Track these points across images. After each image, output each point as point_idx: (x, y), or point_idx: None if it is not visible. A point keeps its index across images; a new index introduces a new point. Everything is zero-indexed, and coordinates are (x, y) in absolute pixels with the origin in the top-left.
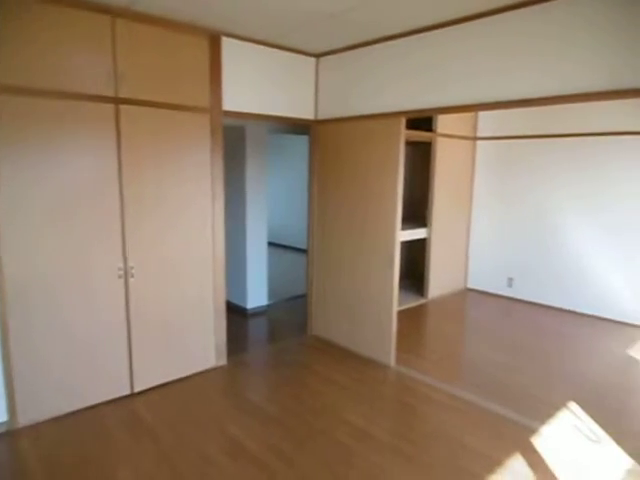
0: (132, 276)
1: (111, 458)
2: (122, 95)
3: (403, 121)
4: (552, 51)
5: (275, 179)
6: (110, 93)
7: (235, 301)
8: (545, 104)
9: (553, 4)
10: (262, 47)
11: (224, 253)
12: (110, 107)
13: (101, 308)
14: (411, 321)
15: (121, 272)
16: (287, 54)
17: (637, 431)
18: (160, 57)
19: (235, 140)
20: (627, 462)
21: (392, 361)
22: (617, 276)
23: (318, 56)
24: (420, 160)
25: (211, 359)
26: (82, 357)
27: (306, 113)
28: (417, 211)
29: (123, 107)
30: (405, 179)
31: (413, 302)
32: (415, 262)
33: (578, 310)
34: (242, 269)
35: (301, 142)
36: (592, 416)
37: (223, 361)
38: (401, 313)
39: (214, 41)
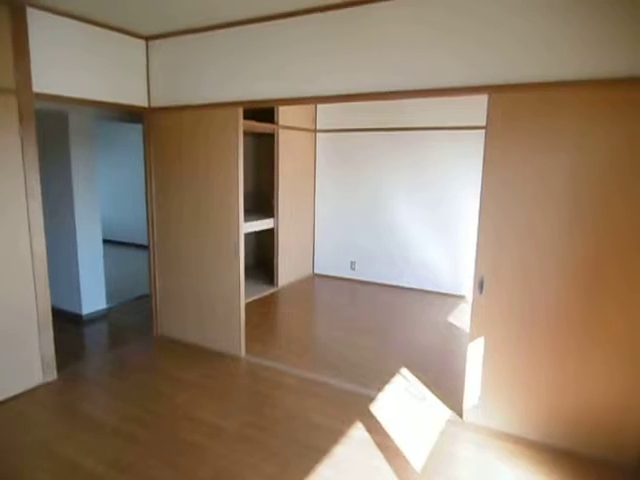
0: None
1: None
2: None
3: (240, 111)
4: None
5: (112, 170)
6: None
7: (67, 307)
8: (381, 99)
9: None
10: (82, 24)
11: (45, 254)
12: None
13: None
14: (262, 310)
15: None
16: (112, 34)
17: (455, 388)
18: None
19: (55, 129)
20: (448, 414)
21: (242, 352)
22: (438, 254)
23: (148, 39)
24: (265, 152)
25: (37, 375)
26: None
27: (137, 100)
28: (264, 202)
29: None
30: (252, 171)
31: (264, 292)
32: (265, 252)
33: (409, 286)
34: (74, 271)
35: (140, 131)
36: (419, 378)
37: (52, 376)
38: (252, 303)
39: (16, 11)
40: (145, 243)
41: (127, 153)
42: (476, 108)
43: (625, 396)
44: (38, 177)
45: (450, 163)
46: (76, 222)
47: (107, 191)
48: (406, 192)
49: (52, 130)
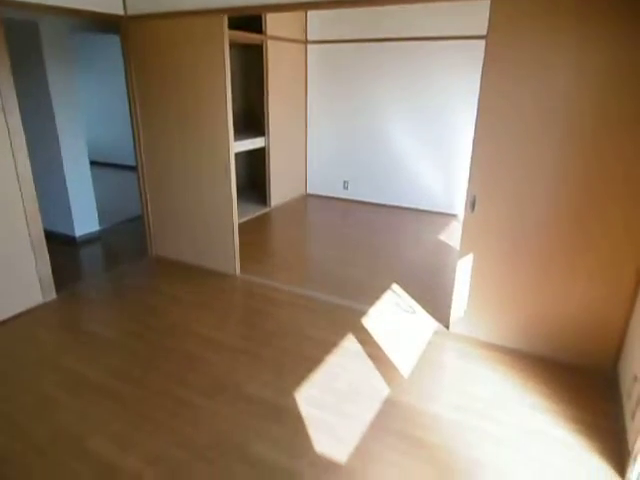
0: None
1: None
2: None
3: (225, 19)
4: None
5: (96, 87)
6: None
7: (60, 230)
8: (376, 4)
9: None
10: None
11: (31, 175)
12: None
13: None
14: (255, 230)
15: None
16: None
17: (444, 302)
18: None
19: (27, 40)
20: (435, 326)
21: (237, 270)
22: (433, 173)
23: None
24: (255, 66)
25: (36, 295)
26: None
27: (111, 7)
28: (254, 120)
29: None
30: (240, 88)
31: (256, 212)
32: (257, 172)
33: (402, 205)
34: (63, 193)
35: None
36: (409, 293)
37: (51, 296)
38: (245, 224)
39: None
40: (133, 164)
41: (110, 69)
42: (474, 16)
43: (604, 307)
44: (14, 92)
45: (447, 75)
46: (60, 142)
47: (92, 110)
48: (401, 108)
49: (23, 42)
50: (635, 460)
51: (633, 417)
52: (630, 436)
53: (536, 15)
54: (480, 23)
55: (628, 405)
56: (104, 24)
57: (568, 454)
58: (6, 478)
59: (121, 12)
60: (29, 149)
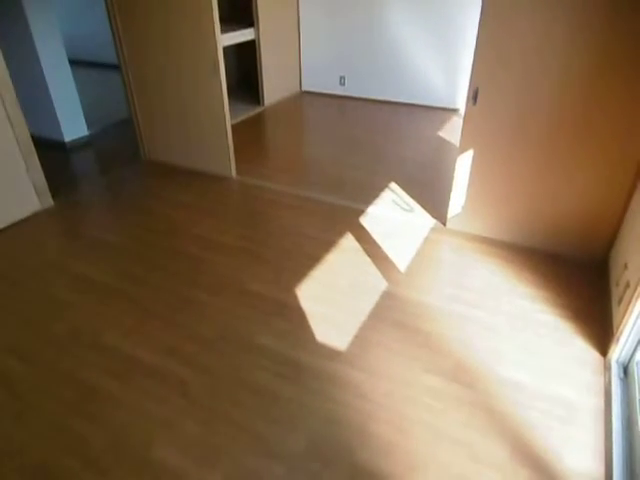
0: None
1: None
2: None
3: None
4: None
5: None
6: None
7: (49, 135)
8: None
9: None
10: None
11: (8, 77)
12: None
13: None
14: (249, 131)
15: None
16: None
17: (441, 200)
18: None
19: None
20: (432, 223)
21: (233, 173)
22: (433, 65)
23: None
24: None
25: (33, 202)
26: None
27: None
28: (241, 9)
29: None
30: None
31: (250, 112)
32: (248, 70)
33: (402, 101)
34: (46, 98)
35: None
36: (407, 191)
37: (48, 203)
38: (239, 124)
39: None
40: (115, 62)
41: None
42: None
43: (603, 201)
44: None
45: None
46: (35, 44)
47: (64, 3)
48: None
49: None
50: (617, 341)
51: (620, 303)
52: (615, 320)
53: None
54: None
55: (616, 291)
56: None
57: (555, 336)
58: (28, 375)
59: None
60: (4, 55)
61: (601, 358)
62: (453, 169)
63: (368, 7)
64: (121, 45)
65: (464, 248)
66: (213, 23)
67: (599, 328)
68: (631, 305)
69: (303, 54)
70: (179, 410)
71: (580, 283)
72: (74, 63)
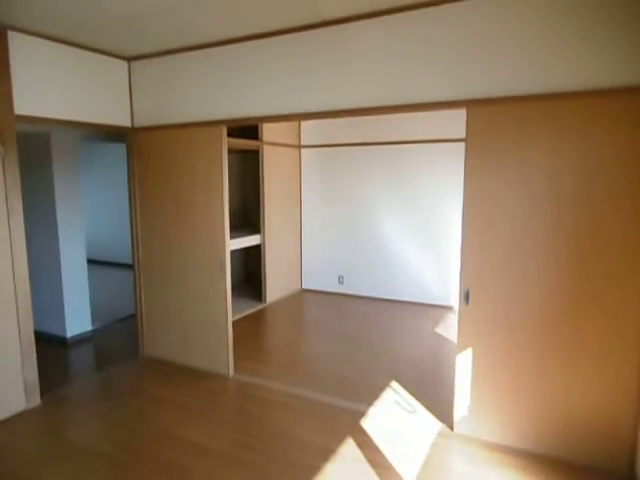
0: None
1: None
2: None
3: (224, 130)
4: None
5: (96, 190)
6: None
7: (51, 330)
8: (364, 114)
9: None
10: (64, 46)
11: (28, 277)
12: None
13: None
14: (250, 327)
15: None
16: (94, 55)
17: (445, 399)
18: None
19: (37, 149)
20: (438, 426)
21: (231, 371)
22: (426, 266)
23: (130, 60)
24: (251, 168)
25: (19, 402)
26: None
27: (120, 120)
28: (251, 218)
29: None
30: (237, 187)
31: (252, 308)
32: (253, 269)
33: (397, 298)
34: (57, 294)
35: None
36: (409, 391)
37: (35, 402)
38: (241, 320)
39: None
40: (130, 262)
41: (111, 172)
42: (460, 120)
43: (615, 402)
44: (20, 198)
45: (434, 175)
46: (60, 243)
47: (91, 210)
48: (392, 205)
49: (34, 150)
50: None
51: None
52: None
53: (512, 120)
54: (463, 126)
55: None
56: (113, 135)
57: None
58: None
59: (129, 124)
60: (28, 250)
61: None
62: (454, 366)
63: (362, 216)
64: (138, 246)
65: (476, 456)
66: (223, 231)
67: None
68: None
69: (304, 256)
70: None
71: None
72: (90, 262)
